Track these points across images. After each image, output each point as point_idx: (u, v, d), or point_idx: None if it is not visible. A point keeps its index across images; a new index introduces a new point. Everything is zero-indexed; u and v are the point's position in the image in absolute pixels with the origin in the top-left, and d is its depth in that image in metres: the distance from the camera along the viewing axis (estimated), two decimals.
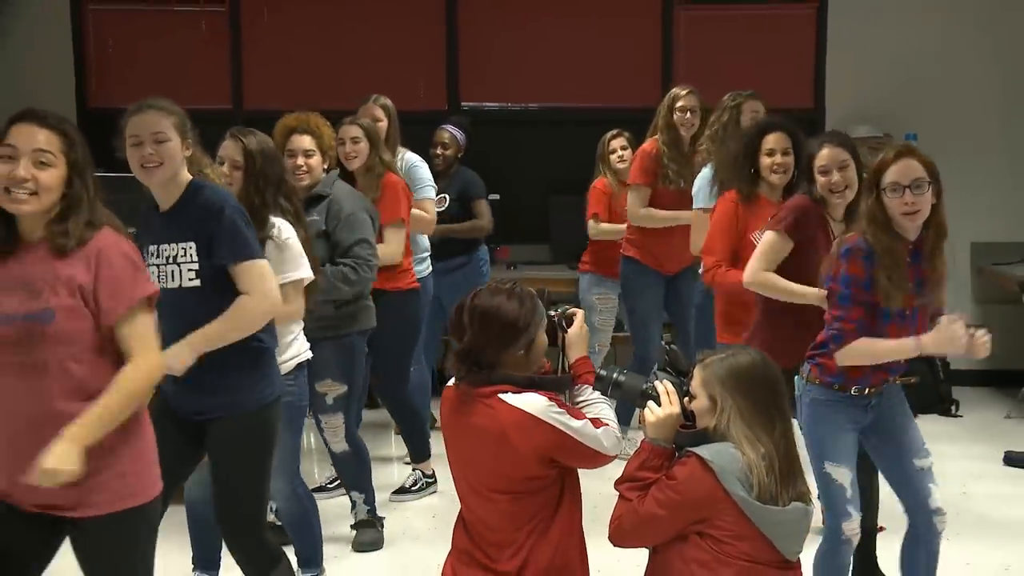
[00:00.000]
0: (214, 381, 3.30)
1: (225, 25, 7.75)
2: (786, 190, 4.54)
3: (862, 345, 3.44)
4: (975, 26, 7.56)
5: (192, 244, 3.27)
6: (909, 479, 3.65)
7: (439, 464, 5.19)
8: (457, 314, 2.98)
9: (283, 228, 3.81)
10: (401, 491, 5.48)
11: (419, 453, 5.52)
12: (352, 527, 4.86)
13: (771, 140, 4.53)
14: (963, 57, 7.54)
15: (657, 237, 5.71)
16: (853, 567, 4.15)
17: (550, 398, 2.90)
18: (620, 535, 2.90)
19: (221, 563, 4.19)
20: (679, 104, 5.62)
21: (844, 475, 3.59)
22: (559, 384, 3.03)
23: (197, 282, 3.29)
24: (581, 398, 3.05)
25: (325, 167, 4.64)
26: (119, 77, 7.59)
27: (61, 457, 2.55)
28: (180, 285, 3.29)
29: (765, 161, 4.52)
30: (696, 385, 2.88)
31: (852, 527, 3.62)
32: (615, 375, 3.03)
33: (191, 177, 3.41)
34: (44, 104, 2.83)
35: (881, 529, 4.36)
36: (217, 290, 3.29)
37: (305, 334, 4.12)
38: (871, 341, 3.44)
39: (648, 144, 5.71)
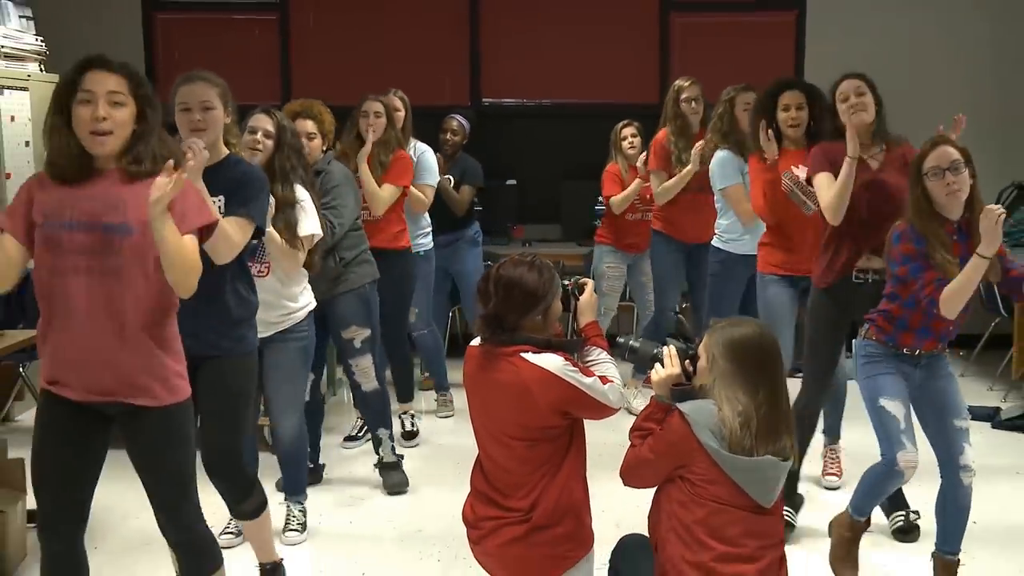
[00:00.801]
0: (206, 325, 3.29)
1: (275, 31, 7.78)
2: (809, 137, 4.46)
3: (949, 293, 3.33)
4: (936, 32, 7.58)
5: (222, 198, 3.27)
6: (946, 435, 3.56)
7: (461, 416, 5.20)
8: (484, 282, 3.01)
9: (301, 192, 3.91)
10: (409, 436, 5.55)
11: (405, 395, 5.59)
12: (376, 466, 4.87)
13: (786, 97, 4.49)
14: (924, 59, 7.55)
15: (678, 211, 5.68)
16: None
17: (565, 358, 2.93)
18: (626, 475, 2.95)
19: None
20: (684, 95, 5.60)
21: (898, 408, 3.52)
22: (572, 346, 3.06)
23: None
24: (589, 358, 3.08)
25: (324, 148, 4.66)
26: (182, 72, 7.57)
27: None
28: None
29: (781, 116, 4.48)
30: (702, 347, 2.89)
31: (907, 459, 3.51)
32: (630, 342, 3.08)
33: (228, 151, 3.44)
34: None
35: None
36: None
37: (326, 293, 4.25)
38: (950, 288, 3.33)
39: (660, 134, 5.69)
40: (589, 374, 2.95)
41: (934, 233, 3.40)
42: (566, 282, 3.12)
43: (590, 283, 3.15)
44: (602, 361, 3.06)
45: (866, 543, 3.79)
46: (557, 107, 7.82)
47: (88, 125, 2.68)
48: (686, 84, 5.62)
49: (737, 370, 2.77)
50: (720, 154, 5.14)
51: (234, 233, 3.16)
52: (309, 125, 4.49)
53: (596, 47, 7.71)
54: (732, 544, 2.70)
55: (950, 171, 3.38)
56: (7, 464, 4.25)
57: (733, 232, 5.16)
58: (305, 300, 4.01)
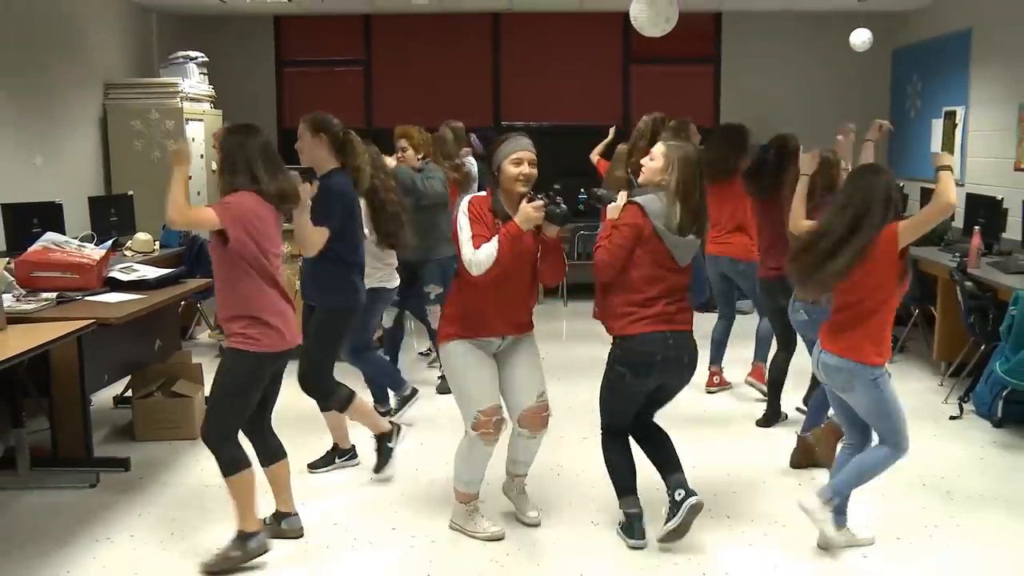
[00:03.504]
0: (318, 282, 3.30)
1: (362, 78, 7.78)
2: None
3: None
4: (809, 80, 7.53)
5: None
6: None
7: None
8: None
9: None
10: None
11: None
12: (439, 378, 4.79)
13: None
14: (803, 94, 7.49)
15: None
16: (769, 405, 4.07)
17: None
18: (603, 269, 2.74)
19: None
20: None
21: None
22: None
23: None
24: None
25: (420, 156, 4.52)
26: (301, 109, 7.54)
27: None
28: None
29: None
30: (658, 152, 2.74)
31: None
32: (597, 192, 2.98)
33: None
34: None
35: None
36: None
37: (420, 257, 4.21)
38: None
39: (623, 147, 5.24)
40: (475, 244, 2.69)
41: None
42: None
43: (538, 202, 2.75)
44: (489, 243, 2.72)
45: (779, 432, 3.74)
46: (555, 127, 7.79)
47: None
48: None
49: (682, 181, 2.67)
50: None
51: None
52: (402, 142, 4.47)
53: (580, 86, 7.71)
54: (653, 288, 2.67)
55: None
56: (191, 366, 4.32)
57: None
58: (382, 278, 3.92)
